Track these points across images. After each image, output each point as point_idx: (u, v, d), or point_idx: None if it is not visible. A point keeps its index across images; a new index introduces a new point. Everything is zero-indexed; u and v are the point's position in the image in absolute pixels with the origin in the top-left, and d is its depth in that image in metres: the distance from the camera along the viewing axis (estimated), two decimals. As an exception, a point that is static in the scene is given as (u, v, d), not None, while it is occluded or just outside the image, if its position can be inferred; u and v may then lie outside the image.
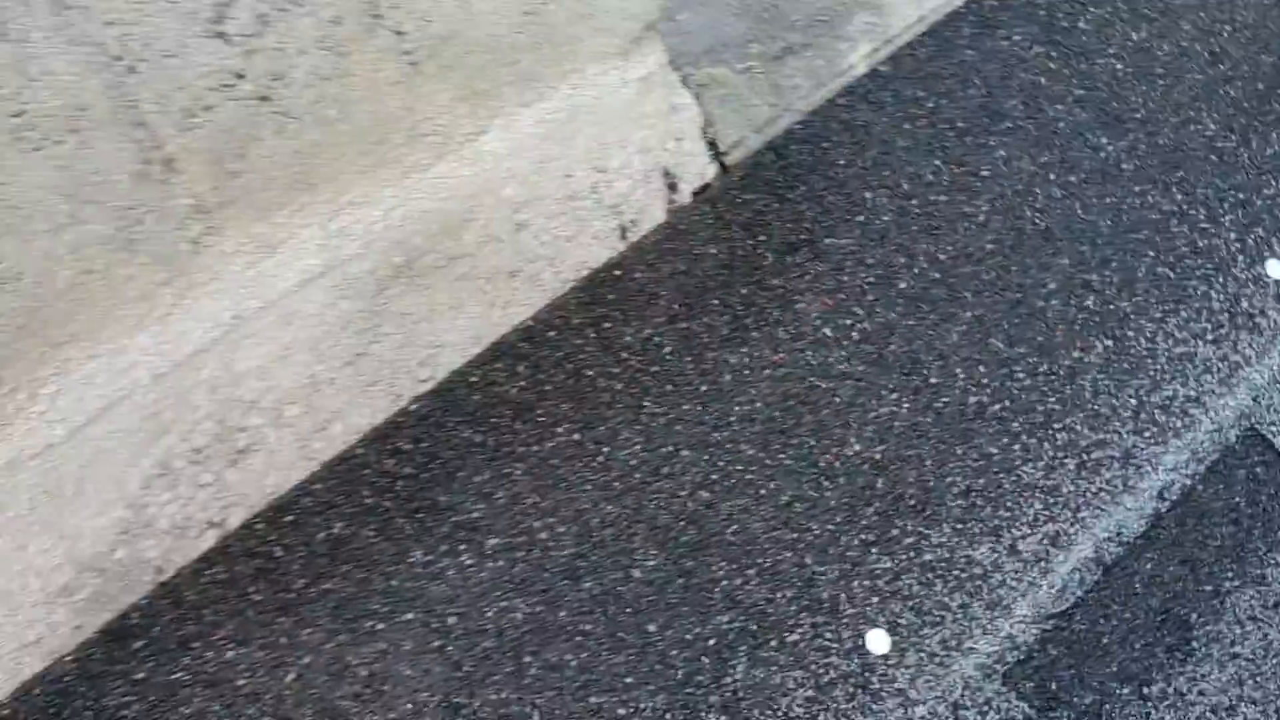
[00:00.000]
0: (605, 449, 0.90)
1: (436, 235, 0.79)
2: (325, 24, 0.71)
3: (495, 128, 0.80)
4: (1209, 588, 0.89)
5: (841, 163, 1.01)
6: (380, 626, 0.84)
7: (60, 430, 0.71)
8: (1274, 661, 0.88)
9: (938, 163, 1.03)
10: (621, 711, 0.83)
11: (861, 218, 0.99)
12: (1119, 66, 1.09)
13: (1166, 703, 0.87)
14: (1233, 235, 1.04)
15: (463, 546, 0.86)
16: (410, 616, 0.84)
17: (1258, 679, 0.88)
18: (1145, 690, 0.87)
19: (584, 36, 0.80)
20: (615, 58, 0.83)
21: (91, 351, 0.71)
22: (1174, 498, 0.93)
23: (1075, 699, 0.86)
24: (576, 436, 0.90)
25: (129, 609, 0.80)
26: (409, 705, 0.82)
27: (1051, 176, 1.04)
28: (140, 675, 0.80)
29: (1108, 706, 0.86)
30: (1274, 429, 0.96)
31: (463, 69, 0.77)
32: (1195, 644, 0.89)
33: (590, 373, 0.91)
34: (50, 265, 0.68)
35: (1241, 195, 1.05)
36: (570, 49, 0.80)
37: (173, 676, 0.80)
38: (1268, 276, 1.02)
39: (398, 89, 0.75)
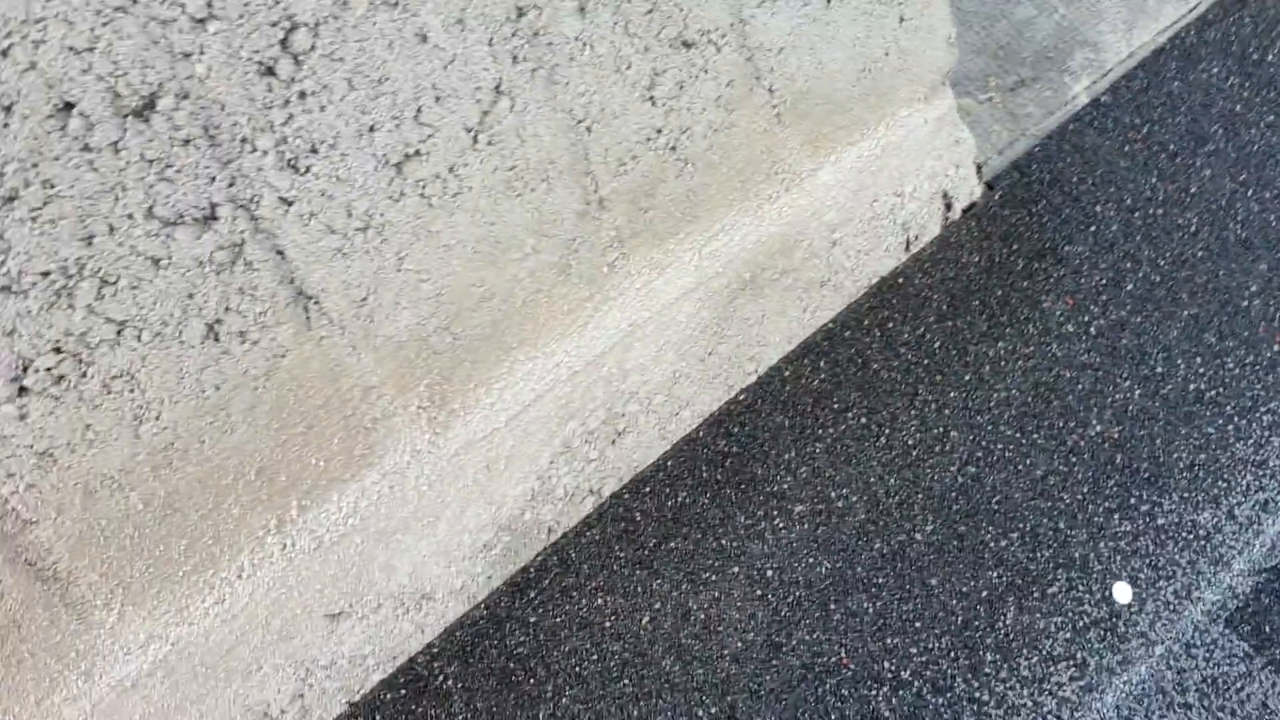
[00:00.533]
0: (887, 431, 1.06)
1: (775, 254, 0.95)
2: (722, 86, 0.86)
3: (828, 165, 0.95)
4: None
5: (1074, 180, 1.16)
6: (714, 578, 1.01)
7: (503, 418, 0.88)
8: None
9: (1154, 180, 1.18)
10: (913, 650, 1.00)
11: (1094, 228, 1.15)
12: (1307, 91, 1.24)
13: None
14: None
15: (775, 512, 1.03)
16: (736, 570, 1.01)
17: None
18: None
19: (900, 86, 0.95)
20: (919, 102, 0.98)
21: (532, 355, 0.88)
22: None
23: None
24: (864, 420, 1.06)
25: (527, 564, 0.97)
26: (739, 643, 0.99)
27: (1250, 193, 1.19)
28: (533, 619, 0.97)
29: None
30: None
31: (812, 118, 0.92)
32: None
33: (875, 366, 1.07)
34: (513, 287, 0.84)
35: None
36: (889, 96, 0.95)
37: (556, 620, 0.98)
38: None
39: (764, 136, 0.90)
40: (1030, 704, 1.00)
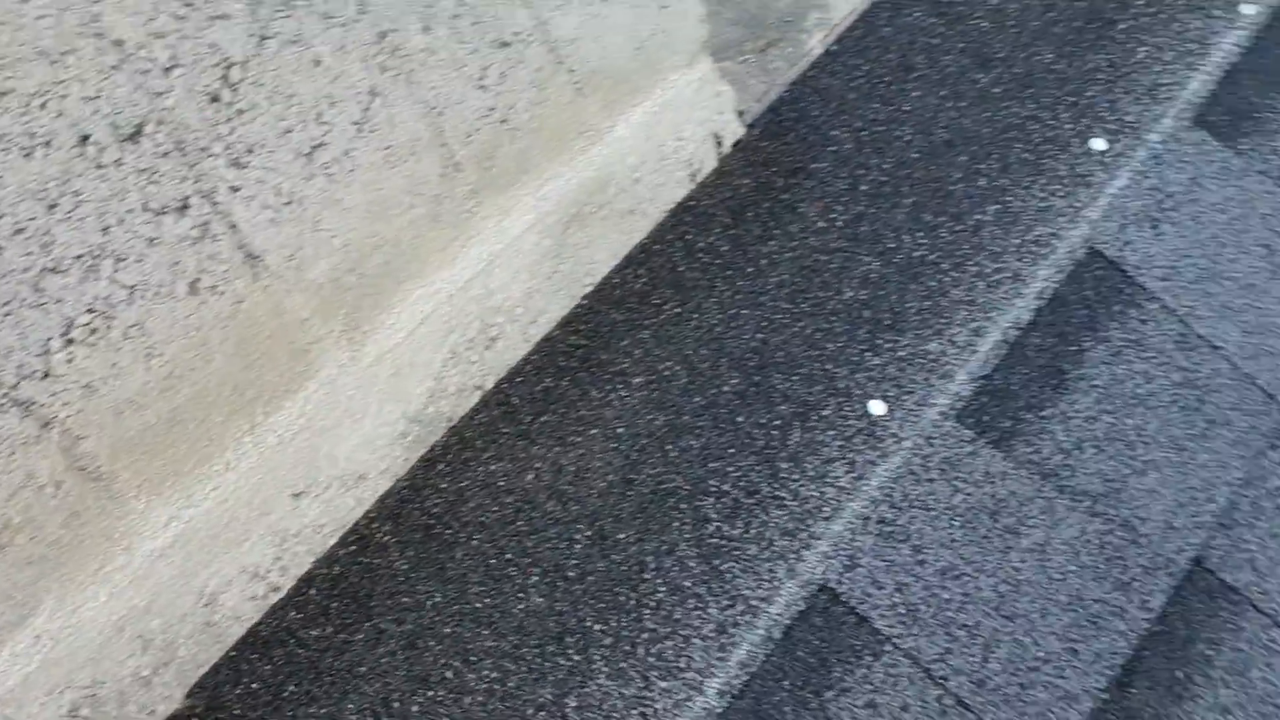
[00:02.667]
0: (695, 315, 1.40)
1: (592, 192, 1.28)
2: (534, 71, 1.19)
3: (622, 122, 1.28)
4: (1074, 347, 1.46)
5: (815, 114, 1.52)
6: (578, 439, 1.34)
7: (402, 334, 1.19)
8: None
9: (875, 105, 1.54)
10: (730, 469, 1.34)
11: (832, 148, 1.51)
12: (985, 24, 1.62)
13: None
14: (1068, 125, 1.58)
15: (619, 385, 1.36)
16: (594, 431, 1.34)
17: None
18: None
19: (667, 58, 1.29)
20: (684, 68, 1.31)
21: (419, 285, 1.19)
22: (1048, 297, 1.48)
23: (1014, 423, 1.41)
24: (677, 309, 1.40)
25: (434, 444, 1.29)
26: (602, 483, 1.32)
27: (949, 104, 1.56)
28: (443, 485, 1.29)
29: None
30: (1106, 246, 1.50)
31: (604, 88, 1.25)
32: (1069, 380, 1.45)
33: (681, 268, 1.41)
34: (399, 235, 1.15)
35: (1072, 99, 1.59)
36: (660, 66, 1.29)
37: (461, 484, 1.29)
38: (1093, 150, 1.57)
39: (571, 106, 1.23)
40: (817, 494, 1.36)
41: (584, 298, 1.34)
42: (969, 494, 1.38)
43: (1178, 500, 1.42)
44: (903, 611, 1.32)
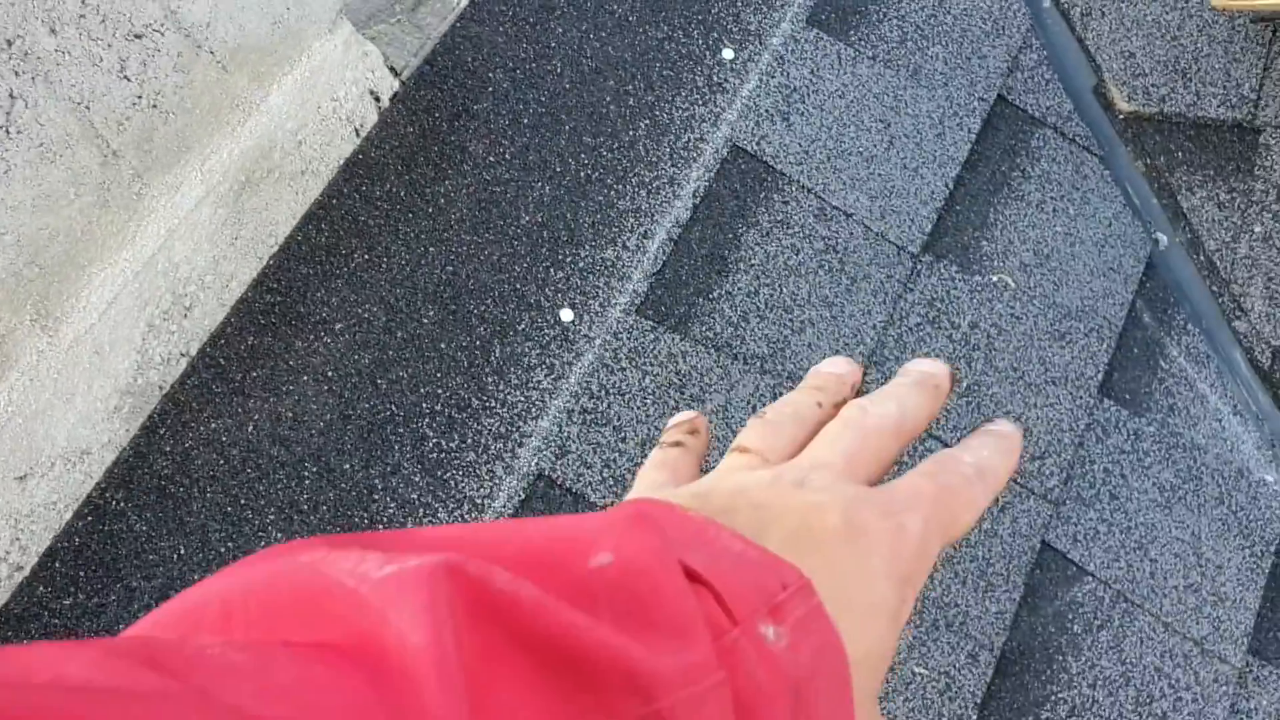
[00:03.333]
0: (385, 259, 1.54)
1: (259, 159, 1.39)
2: (175, 57, 1.29)
3: (274, 92, 1.39)
4: (730, 235, 1.66)
5: (469, 60, 1.66)
6: (291, 388, 1.45)
7: (95, 315, 1.28)
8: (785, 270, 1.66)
9: (524, 45, 1.69)
10: (440, 391, 1.49)
11: (490, 89, 1.66)
12: (610, -39, 1.79)
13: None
14: (699, 40, 1.77)
15: (323, 333, 1.48)
16: (305, 378, 1.46)
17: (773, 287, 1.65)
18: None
19: (307, 28, 1.40)
20: (325, 35, 1.44)
21: (101, 268, 1.28)
22: (702, 195, 1.67)
23: (682, 310, 1.60)
24: (366, 256, 1.53)
25: (151, 412, 1.38)
26: (321, 423, 1.44)
27: (590, 35, 1.73)
28: (168, 449, 1.39)
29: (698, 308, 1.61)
30: (746, 142, 1.71)
31: (250, 63, 1.36)
32: (729, 264, 1.65)
33: (363, 218, 1.54)
34: (71, 224, 1.23)
35: (700, 17, 1.78)
36: (299, 36, 1.40)
37: (185, 445, 1.40)
38: (724, 59, 1.77)
39: (219, 84, 1.33)
40: (523, 399, 1.52)
41: (271, 258, 1.45)
42: (656, 374, 1.56)
43: (832, 348, 1.64)
44: (611, 483, 1.49)
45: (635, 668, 0.27)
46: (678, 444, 0.47)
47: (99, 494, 1.33)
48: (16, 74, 1.15)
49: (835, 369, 0.46)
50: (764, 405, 1.61)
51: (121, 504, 1.33)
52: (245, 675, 0.24)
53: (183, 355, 1.38)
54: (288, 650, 0.25)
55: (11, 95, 1.15)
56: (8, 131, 1.15)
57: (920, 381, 0.43)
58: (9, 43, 1.14)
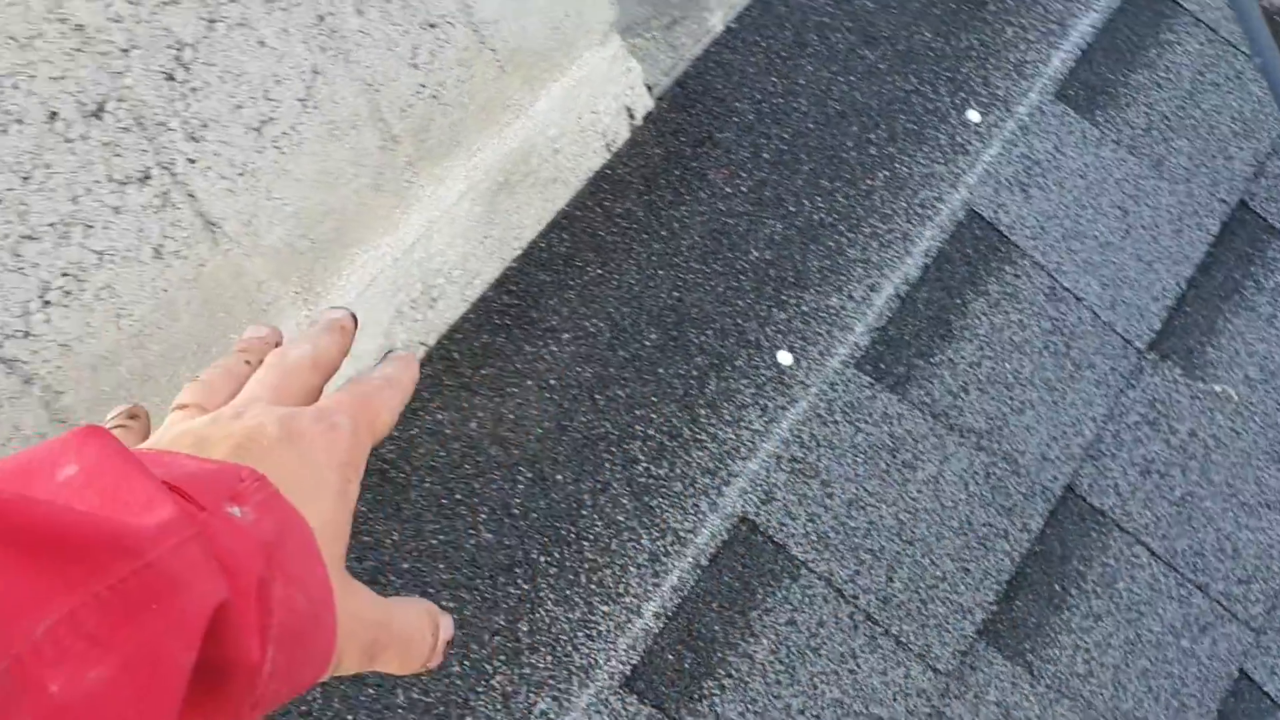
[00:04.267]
0: (616, 276, 1.53)
1: (518, 162, 1.39)
2: (460, 51, 1.29)
3: (543, 97, 1.39)
4: (958, 300, 1.61)
5: (719, 87, 1.65)
6: (515, 390, 1.44)
7: (353, 295, 1.28)
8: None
9: (773, 78, 1.68)
10: (653, 416, 1.47)
11: (735, 118, 1.64)
12: (871, 4, 1.77)
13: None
14: (946, 98, 1.74)
15: (550, 341, 1.48)
16: (529, 383, 1.45)
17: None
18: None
19: (580, 38, 1.40)
20: (597, 46, 1.43)
21: (365, 249, 1.28)
22: (933, 255, 1.63)
23: (907, 371, 1.56)
24: (599, 270, 1.52)
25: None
26: (539, 430, 1.43)
27: (839, 77, 1.71)
28: (395, 434, 1.39)
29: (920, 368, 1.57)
30: (983, 208, 1.66)
31: (525, 66, 1.36)
32: (954, 328, 1.60)
33: (601, 233, 1.53)
34: (345, 203, 1.24)
35: (949, 75, 1.75)
36: (573, 44, 1.40)
37: (411, 432, 1.39)
38: (969, 121, 1.73)
39: (495, 82, 1.33)
40: (734, 436, 1.49)
41: (514, 260, 1.45)
42: (870, 433, 1.52)
43: (1051, 434, 1.58)
44: (815, 539, 1.45)
45: (117, 530, 0.30)
46: (120, 428, 0.50)
47: (323, 470, 1.33)
48: (323, 49, 1.16)
49: (258, 333, 0.52)
50: (975, 482, 1.55)
51: (342, 484, 1.34)
52: None
53: (421, 344, 1.38)
54: None
55: (315, 70, 1.16)
56: (304, 105, 1.17)
57: (329, 326, 0.52)
58: (320, 18, 1.15)
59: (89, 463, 0.33)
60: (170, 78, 1.06)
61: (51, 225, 1.02)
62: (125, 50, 1.02)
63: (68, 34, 0.99)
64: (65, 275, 1.04)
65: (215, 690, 0.32)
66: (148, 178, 1.07)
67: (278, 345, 0.52)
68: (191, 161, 1.10)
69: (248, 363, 0.49)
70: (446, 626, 0.51)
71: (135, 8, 1.02)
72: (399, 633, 0.47)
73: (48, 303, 1.03)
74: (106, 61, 1.01)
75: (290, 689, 0.36)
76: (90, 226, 1.05)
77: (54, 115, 0.99)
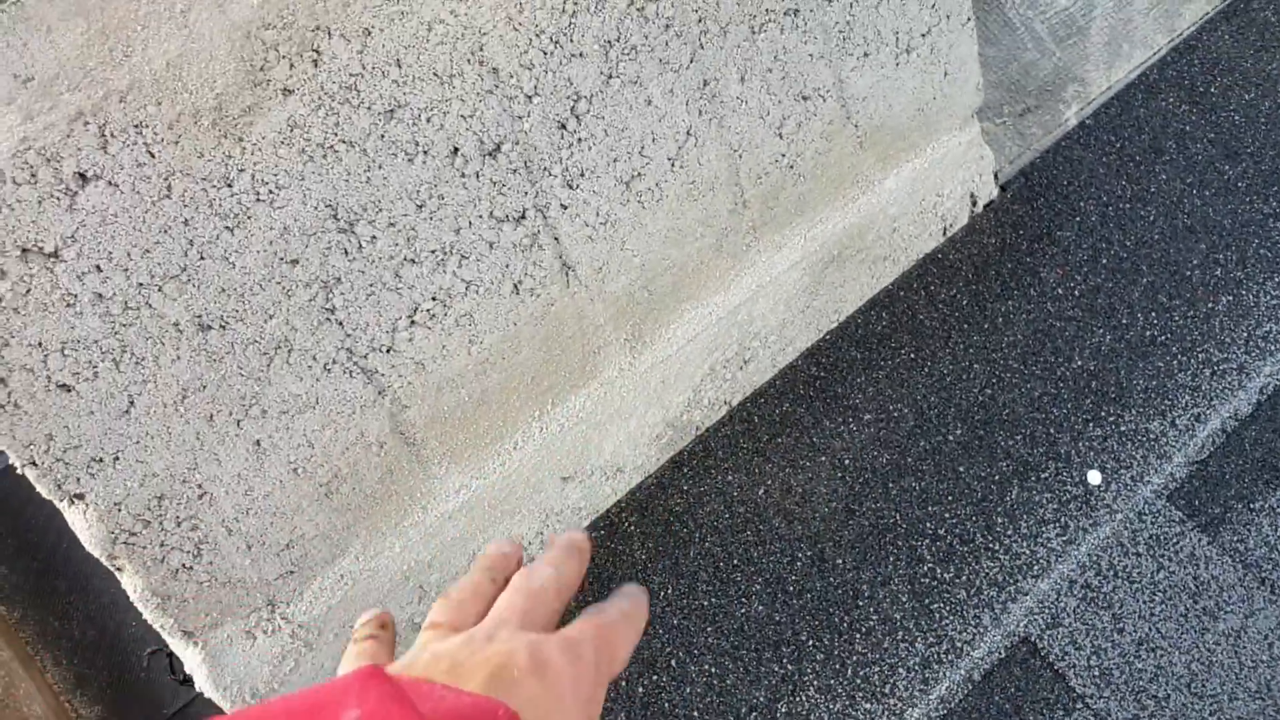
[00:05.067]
0: (929, 363, 1.49)
1: (854, 237, 1.37)
2: (825, 124, 1.28)
3: (892, 175, 1.37)
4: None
5: (1065, 183, 1.58)
6: (807, 464, 1.43)
7: (675, 348, 1.30)
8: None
9: (1123, 183, 1.59)
10: (946, 515, 1.42)
11: (1078, 219, 1.57)
12: (1237, 118, 1.65)
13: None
14: (1306, 227, 1.60)
15: (850, 419, 1.45)
16: (823, 459, 1.43)
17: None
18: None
19: (943, 120, 1.37)
20: (956, 130, 1.40)
21: (695, 306, 1.30)
22: (1269, 393, 1.51)
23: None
24: (912, 355, 1.48)
25: (682, 449, 1.40)
26: (825, 509, 1.41)
27: (1194, 192, 1.60)
28: (685, 487, 1.40)
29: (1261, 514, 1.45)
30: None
31: (882, 144, 1.34)
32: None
33: (921, 316, 1.50)
34: (686, 260, 1.26)
35: (1314, 199, 1.61)
36: (935, 127, 1.37)
37: (701, 489, 1.40)
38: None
39: (851, 156, 1.32)
40: (1028, 552, 1.43)
41: (828, 333, 1.43)
42: (1173, 572, 1.42)
43: (1384, 610, 1.43)
44: (1098, 674, 1.37)
45: None
46: (371, 637, 0.51)
47: (616, 512, 1.36)
48: (700, 113, 1.18)
49: (502, 550, 0.53)
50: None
51: (632, 527, 1.36)
52: None
53: (725, 404, 1.39)
54: None
55: (689, 132, 1.18)
56: (673, 164, 1.19)
57: (569, 549, 0.52)
58: (705, 83, 1.17)
59: (370, 706, 0.35)
60: (563, 126, 1.10)
61: (433, 252, 1.07)
62: (529, 97, 1.07)
63: (484, 76, 1.04)
64: (434, 300, 1.10)
65: None
66: (523, 217, 1.12)
67: (519, 563, 0.55)
68: (564, 207, 1.14)
69: (493, 580, 0.51)
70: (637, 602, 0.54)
71: (546, 58, 1.06)
72: None
73: (414, 323, 1.09)
74: (511, 105, 1.06)
75: None
76: (465, 257, 1.10)
77: (456, 150, 1.05)
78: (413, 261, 1.07)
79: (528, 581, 0.50)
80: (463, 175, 1.06)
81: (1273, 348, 1.53)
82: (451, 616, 0.49)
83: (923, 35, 1.25)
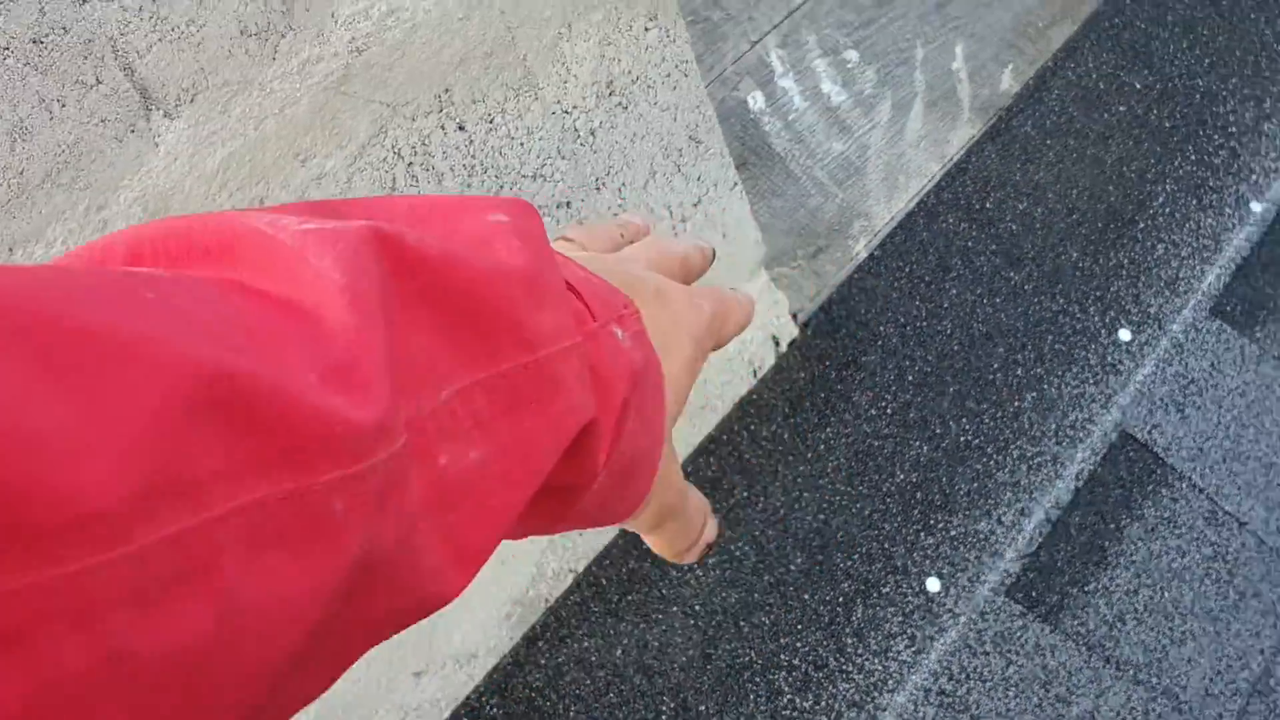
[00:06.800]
0: (760, 500, 1.56)
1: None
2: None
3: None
4: (1112, 525, 1.58)
5: (863, 311, 1.69)
6: (660, 617, 1.47)
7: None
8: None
9: (917, 302, 1.71)
10: (799, 644, 1.47)
11: (880, 342, 1.68)
12: (1014, 227, 1.80)
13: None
14: (1095, 317, 1.74)
15: (696, 566, 1.51)
16: (674, 609, 1.48)
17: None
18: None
19: (730, 279, 1.47)
20: (746, 282, 1.50)
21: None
22: (1085, 478, 1.61)
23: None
24: (744, 493, 1.55)
25: (533, 624, 1.43)
26: (683, 658, 1.45)
27: (985, 300, 1.73)
28: (542, 661, 1.43)
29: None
30: (1137, 429, 1.64)
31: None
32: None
33: (747, 456, 1.57)
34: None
35: (1098, 293, 1.76)
36: (724, 284, 1.47)
37: (558, 660, 1.43)
38: (1120, 340, 1.72)
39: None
40: (881, 668, 1.48)
41: (690, 460, 1.50)
42: (1021, 665, 1.49)
43: (1215, 668, 1.52)
44: (964, 778, 1.42)
45: (524, 320, 0.30)
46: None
47: (477, 697, 1.38)
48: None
49: (635, 219, 0.53)
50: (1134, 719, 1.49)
51: (495, 711, 1.38)
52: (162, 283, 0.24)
53: (570, 571, 1.43)
54: (194, 275, 0.25)
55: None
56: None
57: (700, 247, 0.52)
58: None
59: (518, 219, 0.33)
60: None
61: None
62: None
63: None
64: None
65: (540, 496, 0.33)
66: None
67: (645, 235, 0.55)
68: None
69: (624, 235, 0.51)
70: (712, 528, 0.51)
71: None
72: (686, 509, 0.47)
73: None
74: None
75: (596, 518, 0.37)
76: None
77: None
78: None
79: (661, 242, 0.50)
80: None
81: (1081, 435, 1.64)
82: (584, 237, 0.47)
83: (694, 205, 1.35)
